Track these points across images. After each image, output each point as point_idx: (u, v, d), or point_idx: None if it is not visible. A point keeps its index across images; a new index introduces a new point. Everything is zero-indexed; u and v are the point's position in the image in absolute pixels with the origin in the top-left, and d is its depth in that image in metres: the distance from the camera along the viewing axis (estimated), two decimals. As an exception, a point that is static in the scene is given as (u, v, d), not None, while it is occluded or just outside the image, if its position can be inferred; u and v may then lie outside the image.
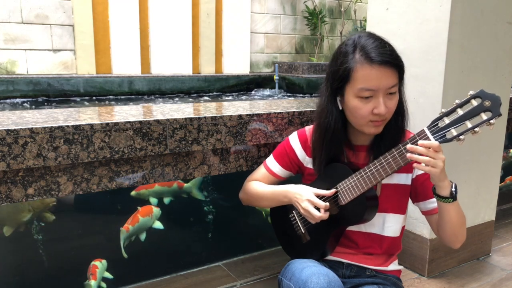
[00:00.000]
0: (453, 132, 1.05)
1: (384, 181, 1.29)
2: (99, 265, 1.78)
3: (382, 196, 1.28)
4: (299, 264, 1.22)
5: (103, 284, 1.79)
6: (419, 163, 1.09)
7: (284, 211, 1.42)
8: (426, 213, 1.33)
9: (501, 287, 1.78)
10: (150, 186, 1.97)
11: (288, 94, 5.43)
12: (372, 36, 1.18)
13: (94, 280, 1.74)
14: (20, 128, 1.21)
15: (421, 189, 1.30)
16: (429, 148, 1.07)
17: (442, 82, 1.67)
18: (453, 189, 1.14)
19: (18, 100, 4.20)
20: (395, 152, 1.14)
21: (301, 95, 5.19)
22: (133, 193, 1.95)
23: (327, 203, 1.23)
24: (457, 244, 1.28)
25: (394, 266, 1.36)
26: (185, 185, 2.07)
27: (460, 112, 1.05)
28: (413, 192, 1.33)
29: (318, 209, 1.22)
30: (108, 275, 1.80)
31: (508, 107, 1.98)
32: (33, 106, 4.20)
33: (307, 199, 1.24)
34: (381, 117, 1.17)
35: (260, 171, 1.48)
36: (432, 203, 1.29)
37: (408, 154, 1.10)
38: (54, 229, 1.83)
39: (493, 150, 1.95)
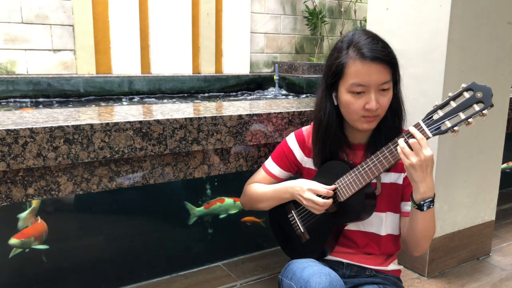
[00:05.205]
0: (447, 123, 1.07)
1: (382, 180, 1.29)
2: None
3: (380, 195, 1.28)
4: (300, 264, 1.22)
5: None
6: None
7: (283, 211, 1.42)
8: (400, 214, 1.34)
9: (501, 287, 1.78)
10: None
11: (285, 93, 5.43)
12: (366, 33, 1.20)
13: None
14: (20, 128, 1.21)
15: (405, 190, 1.31)
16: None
17: (442, 82, 1.67)
18: (424, 202, 1.13)
19: (21, 100, 4.19)
20: (391, 147, 1.14)
21: (302, 95, 5.19)
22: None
23: (331, 186, 1.24)
24: (415, 253, 1.30)
25: (394, 266, 1.36)
26: None
27: (453, 104, 1.07)
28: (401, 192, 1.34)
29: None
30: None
31: (508, 107, 1.97)
32: (55, 103, 4.17)
33: (308, 188, 1.25)
34: (373, 112, 1.18)
35: (260, 174, 1.49)
36: (407, 205, 1.30)
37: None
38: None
39: (493, 150, 1.95)
